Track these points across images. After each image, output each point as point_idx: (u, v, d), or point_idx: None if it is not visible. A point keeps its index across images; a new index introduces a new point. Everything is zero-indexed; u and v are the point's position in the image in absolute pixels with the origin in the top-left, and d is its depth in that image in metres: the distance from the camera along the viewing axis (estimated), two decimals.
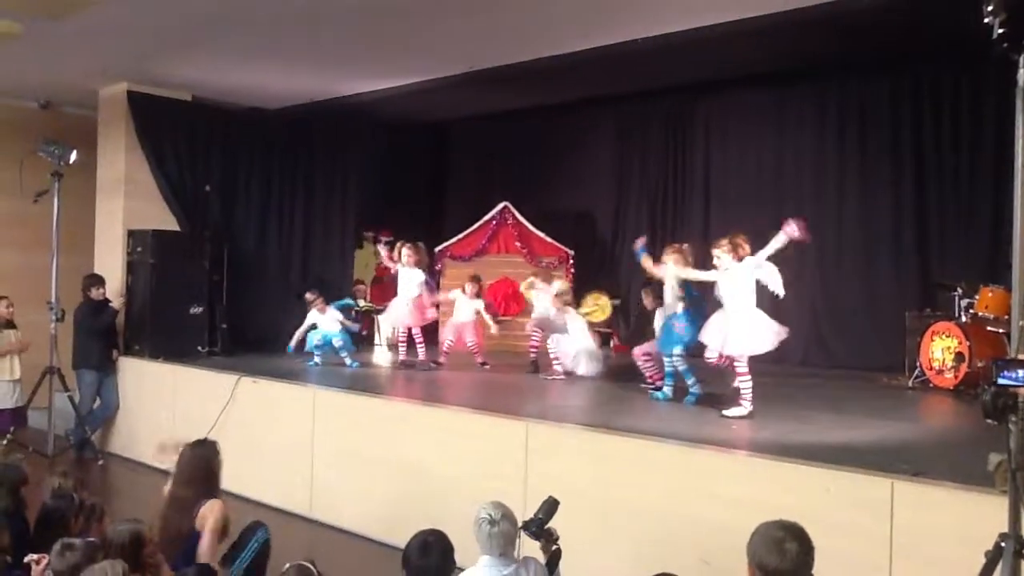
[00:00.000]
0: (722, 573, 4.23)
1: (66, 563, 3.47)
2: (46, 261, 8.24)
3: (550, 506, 3.81)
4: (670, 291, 6.50)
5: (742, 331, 5.72)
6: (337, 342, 8.39)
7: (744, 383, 5.78)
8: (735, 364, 5.80)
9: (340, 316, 8.53)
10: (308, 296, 8.62)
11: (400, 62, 8.22)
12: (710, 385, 6.50)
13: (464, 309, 8.73)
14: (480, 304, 8.74)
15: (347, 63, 8.32)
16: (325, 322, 8.47)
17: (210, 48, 7.82)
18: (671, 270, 6.42)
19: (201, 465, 4.63)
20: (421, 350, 8.45)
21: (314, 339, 8.42)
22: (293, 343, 8.51)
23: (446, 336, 8.79)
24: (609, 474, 5.06)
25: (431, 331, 9.38)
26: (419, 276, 8.34)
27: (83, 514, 4.20)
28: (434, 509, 5.53)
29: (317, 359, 8.40)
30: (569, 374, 7.83)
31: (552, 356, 7.98)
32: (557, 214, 10.75)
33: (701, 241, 9.49)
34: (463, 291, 8.77)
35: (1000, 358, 3.11)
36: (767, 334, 5.74)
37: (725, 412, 5.81)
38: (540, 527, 3.72)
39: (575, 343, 7.83)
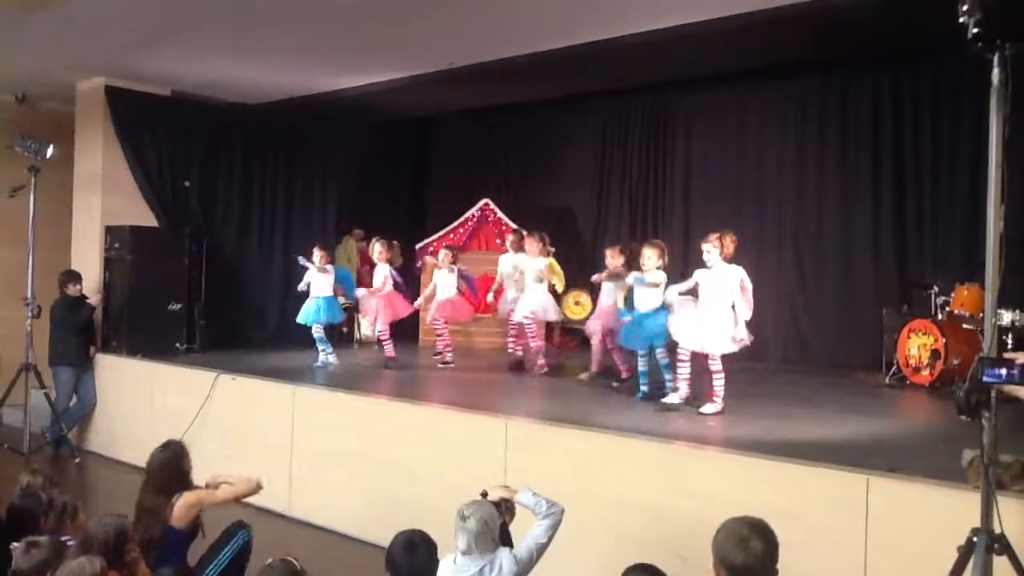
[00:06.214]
0: (698, 569, 4.20)
1: (31, 561, 3.38)
2: (22, 257, 8.14)
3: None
4: (648, 288, 6.44)
5: (720, 329, 5.79)
6: (321, 329, 8.24)
7: (717, 380, 5.86)
8: (709, 361, 5.87)
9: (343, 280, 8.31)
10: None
11: (382, 58, 8.18)
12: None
13: (445, 283, 8.43)
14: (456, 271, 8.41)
15: (328, 58, 8.27)
16: (320, 283, 8.24)
17: (190, 43, 7.75)
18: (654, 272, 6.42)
19: (171, 469, 4.53)
20: (388, 347, 8.26)
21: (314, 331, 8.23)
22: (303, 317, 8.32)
23: (435, 317, 8.45)
24: (587, 470, 5.07)
25: (402, 330, 9.27)
26: (384, 269, 8.20)
27: (54, 512, 4.11)
28: (414, 506, 5.53)
29: (327, 357, 8.22)
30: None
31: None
32: (538, 211, 10.74)
33: (681, 238, 9.62)
34: (438, 267, 8.49)
35: (984, 356, 3.14)
36: (739, 334, 5.83)
37: (700, 409, 5.87)
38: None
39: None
